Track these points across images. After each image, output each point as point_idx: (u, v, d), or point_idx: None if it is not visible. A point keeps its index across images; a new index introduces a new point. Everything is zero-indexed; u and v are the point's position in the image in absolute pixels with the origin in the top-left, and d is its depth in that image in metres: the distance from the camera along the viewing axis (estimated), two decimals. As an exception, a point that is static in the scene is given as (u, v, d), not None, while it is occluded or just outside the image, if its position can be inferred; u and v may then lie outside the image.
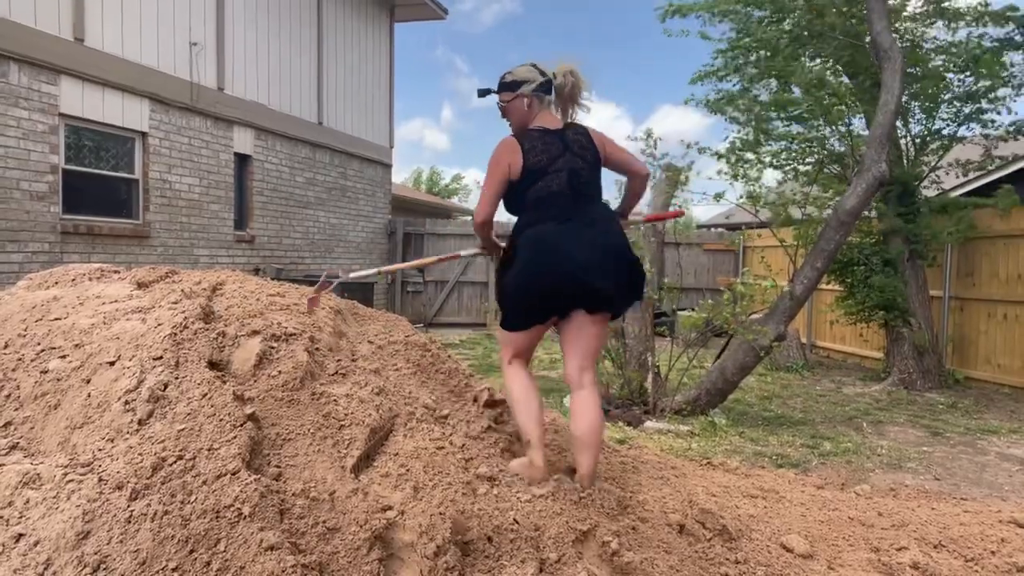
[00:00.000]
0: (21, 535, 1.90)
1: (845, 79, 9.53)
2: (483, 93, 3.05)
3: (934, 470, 4.95)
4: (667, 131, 57.99)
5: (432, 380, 3.12)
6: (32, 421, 2.42)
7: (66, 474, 2.03)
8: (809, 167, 9.94)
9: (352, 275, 3.72)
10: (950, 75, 8.92)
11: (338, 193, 12.62)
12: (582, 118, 3.02)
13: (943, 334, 9.02)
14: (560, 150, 2.84)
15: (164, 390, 2.32)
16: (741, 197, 10.13)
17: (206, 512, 1.95)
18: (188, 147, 9.19)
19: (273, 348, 2.66)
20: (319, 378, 2.65)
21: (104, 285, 3.16)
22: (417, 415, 2.69)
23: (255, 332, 2.69)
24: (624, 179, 3.21)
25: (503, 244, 2.97)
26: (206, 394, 2.30)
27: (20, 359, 2.65)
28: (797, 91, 9.21)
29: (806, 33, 8.94)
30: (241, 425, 2.23)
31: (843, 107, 9.20)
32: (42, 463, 2.12)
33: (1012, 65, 8.59)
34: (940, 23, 9.02)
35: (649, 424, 5.80)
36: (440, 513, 2.18)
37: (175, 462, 2.07)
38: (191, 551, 1.87)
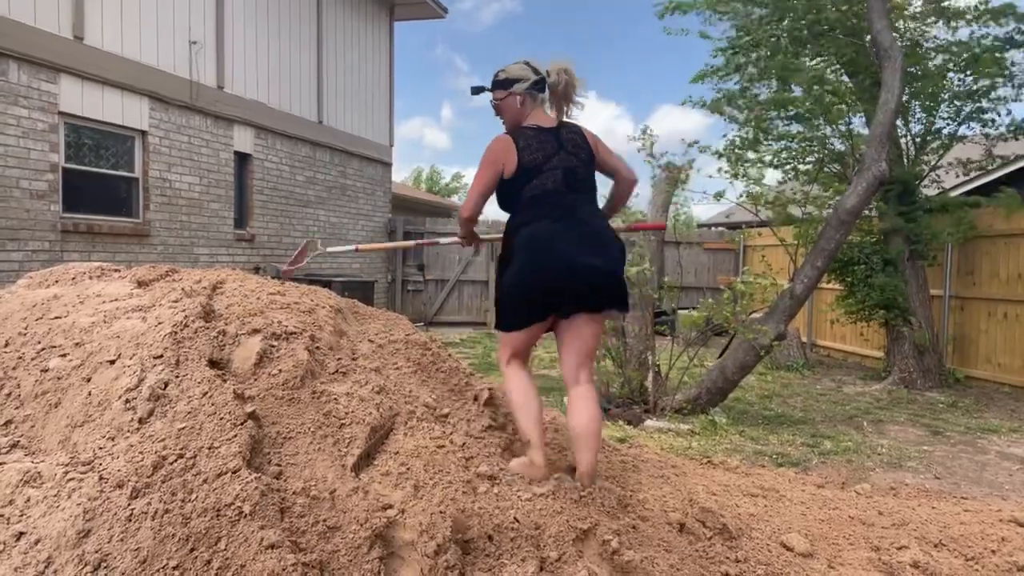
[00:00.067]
0: (22, 533, 1.90)
1: (845, 78, 9.52)
2: (476, 91, 3.05)
3: (934, 469, 4.95)
4: (667, 131, 57.97)
5: (432, 379, 3.12)
6: (33, 419, 2.42)
7: (67, 472, 2.03)
8: (809, 166, 9.93)
9: (330, 249, 4.09)
10: (950, 74, 8.92)
11: (338, 192, 12.62)
12: (576, 116, 3.03)
13: (943, 333, 9.01)
14: (555, 148, 2.84)
15: (165, 388, 2.31)
16: (741, 196, 10.14)
17: (207, 510, 1.95)
18: (188, 146, 9.18)
19: (273, 347, 2.65)
20: (319, 377, 2.64)
21: (104, 284, 3.16)
22: (418, 414, 2.68)
23: (255, 331, 2.69)
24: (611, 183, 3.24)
25: (483, 237, 3.12)
26: (207, 392, 2.30)
27: (20, 357, 2.65)
28: (798, 90, 9.20)
29: (806, 32, 8.93)
30: (242, 424, 2.23)
31: (843, 106, 9.18)
32: (43, 461, 2.12)
33: (1012, 64, 8.58)
34: (940, 23, 9.02)
35: (649, 423, 5.80)
36: (441, 512, 2.18)
37: (176, 460, 2.07)
38: (192, 549, 1.87)
